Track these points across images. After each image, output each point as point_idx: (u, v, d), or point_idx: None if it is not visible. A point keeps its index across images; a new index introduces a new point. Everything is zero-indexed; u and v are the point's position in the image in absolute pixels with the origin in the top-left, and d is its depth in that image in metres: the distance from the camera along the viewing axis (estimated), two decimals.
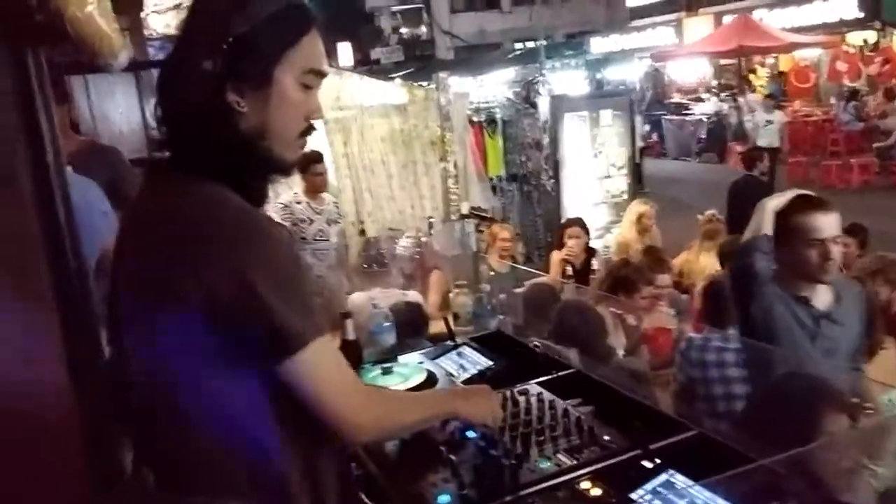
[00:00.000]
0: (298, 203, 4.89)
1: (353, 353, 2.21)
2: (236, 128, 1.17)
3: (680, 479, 1.42)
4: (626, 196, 6.76)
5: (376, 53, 20.54)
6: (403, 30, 21.78)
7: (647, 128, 16.05)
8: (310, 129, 1.28)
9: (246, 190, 1.22)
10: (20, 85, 1.06)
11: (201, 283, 1.10)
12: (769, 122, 11.06)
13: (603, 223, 6.68)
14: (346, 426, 1.22)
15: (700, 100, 16.66)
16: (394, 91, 7.61)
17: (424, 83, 7.98)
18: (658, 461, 1.48)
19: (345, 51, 19.28)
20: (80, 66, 3.70)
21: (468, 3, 22.51)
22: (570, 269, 5.22)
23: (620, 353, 3.16)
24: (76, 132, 3.56)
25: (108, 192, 2.41)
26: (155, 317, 1.16)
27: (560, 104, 6.75)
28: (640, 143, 11.48)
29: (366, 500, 1.55)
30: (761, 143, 10.59)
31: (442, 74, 7.47)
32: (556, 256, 5.43)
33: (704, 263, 5.40)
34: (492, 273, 4.70)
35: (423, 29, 21.83)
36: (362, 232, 6.54)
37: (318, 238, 4.92)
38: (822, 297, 2.37)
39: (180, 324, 1.13)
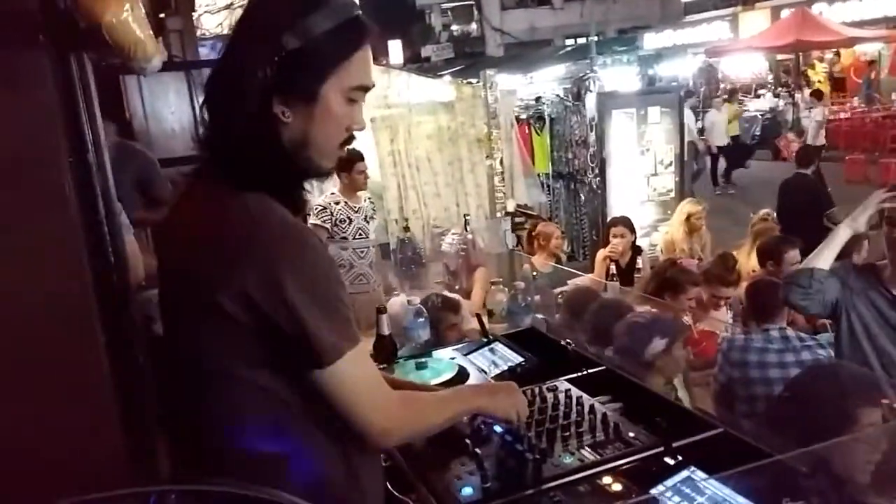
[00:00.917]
0: (337, 203, 4.94)
1: (388, 348, 2.27)
2: (279, 137, 1.20)
3: (701, 476, 1.42)
4: (672, 194, 6.66)
5: (427, 51, 20.62)
6: (454, 27, 21.82)
7: (699, 125, 15.75)
8: (350, 138, 1.30)
9: (285, 196, 1.24)
10: (64, 87, 1.13)
11: (240, 288, 1.13)
12: (814, 121, 10.73)
13: (649, 221, 6.60)
14: (375, 433, 1.25)
15: (756, 96, 16.29)
16: (441, 88, 7.66)
17: (474, 80, 8.00)
18: (680, 458, 1.49)
19: (395, 48, 19.41)
20: (132, 68, 3.87)
21: (519, 0, 22.43)
22: (613, 268, 5.19)
23: None
24: (125, 131, 3.70)
25: (137, 191, 2.50)
26: (198, 318, 1.20)
27: (607, 101, 6.69)
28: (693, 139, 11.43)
29: (392, 490, 1.59)
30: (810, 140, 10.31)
31: (489, 72, 7.49)
32: (600, 255, 5.40)
33: (756, 263, 5.30)
34: (534, 273, 4.71)
35: (474, 26, 21.82)
36: (406, 229, 6.60)
37: (358, 237, 4.98)
38: None
39: (221, 326, 1.16)
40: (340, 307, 1.21)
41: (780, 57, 16.65)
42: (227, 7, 7.39)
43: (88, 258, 1.20)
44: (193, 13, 4.82)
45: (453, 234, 5.01)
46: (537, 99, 8.75)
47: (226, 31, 7.59)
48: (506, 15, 22.10)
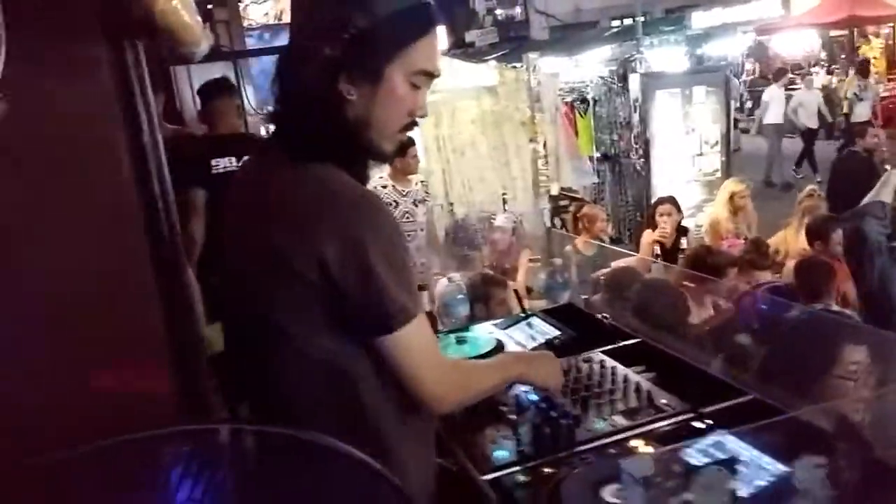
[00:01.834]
0: (384, 187, 5.02)
1: (429, 323, 2.34)
2: (344, 114, 1.24)
3: (730, 439, 1.46)
4: (719, 174, 6.60)
5: (471, 36, 20.51)
6: (498, 11, 21.67)
7: (749, 104, 15.44)
8: (412, 123, 1.34)
9: (349, 170, 1.28)
10: (120, 76, 1.21)
11: (317, 252, 1.17)
12: (859, 98, 10.33)
13: (695, 202, 6.55)
14: (433, 398, 1.30)
15: (808, 73, 15.84)
16: (485, 73, 7.67)
17: (519, 64, 7.99)
18: (709, 422, 1.53)
19: (439, 34, 19.42)
20: (183, 58, 4.00)
21: None
22: (657, 249, 5.18)
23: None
24: (175, 120, 3.85)
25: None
26: (269, 282, 1.24)
27: (650, 81, 6.64)
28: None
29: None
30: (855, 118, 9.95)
31: (532, 55, 7.47)
32: (646, 237, 5.38)
33: (804, 241, 5.22)
34: (577, 255, 4.73)
35: (518, 9, 21.64)
36: (452, 214, 6.66)
37: (405, 220, 5.05)
38: None
39: (292, 291, 1.21)
40: (409, 273, 1.26)
41: (833, 33, 16.16)
42: None
43: (145, 233, 1.29)
44: (240, 3, 4.94)
45: (504, 216, 5.06)
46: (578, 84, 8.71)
47: (272, 21, 7.74)
48: None
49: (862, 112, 10.09)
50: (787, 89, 15.18)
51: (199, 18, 1.19)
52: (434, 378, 1.29)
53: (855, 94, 10.10)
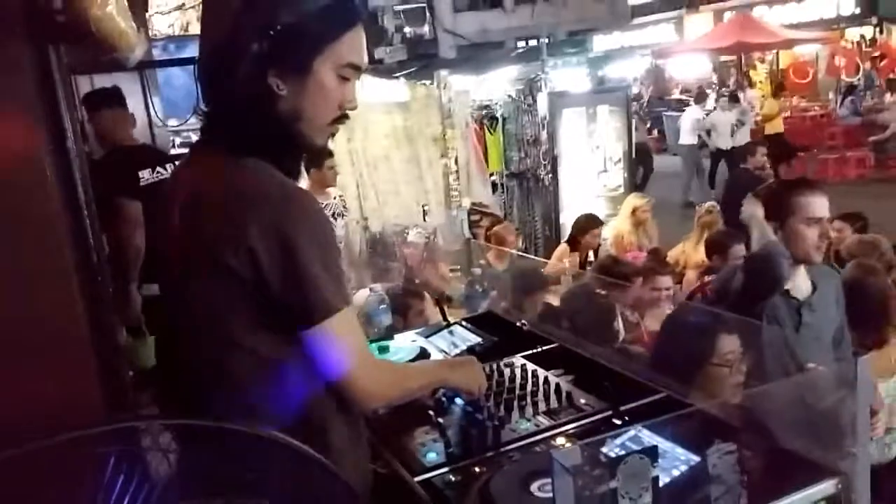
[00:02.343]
0: None
1: None
2: (274, 108, 1.27)
3: (646, 434, 1.55)
4: (622, 190, 6.89)
5: (380, 53, 20.62)
6: (407, 29, 21.89)
7: (648, 124, 16.13)
8: (343, 116, 1.37)
9: (280, 164, 1.31)
10: (43, 80, 1.19)
11: (245, 244, 1.19)
12: (742, 122, 10.98)
13: (600, 216, 6.80)
14: (360, 393, 1.32)
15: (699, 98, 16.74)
16: (396, 89, 7.75)
17: (427, 81, 8.10)
18: (627, 419, 1.61)
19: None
20: (85, 66, 3.86)
21: (471, 3, 22.62)
22: (566, 262, 5.37)
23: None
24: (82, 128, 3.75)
25: None
26: (201, 277, 1.26)
27: (557, 100, 6.87)
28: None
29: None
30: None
31: (443, 73, 7.62)
32: (560, 251, 5.56)
33: (701, 255, 5.51)
34: (490, 268, 4.84)
35: (426, 28, 21.94)
36: (366, 228, 6.66)
37: None
38: (801, 285, 2.40)
39: (223, 285, 1.23)
40: (337, 268, 1.28)
41: (723, 58, 17.14)
42: (179, 8, 7.36)
43: (70, 239, 1.26)
44: (146, 13, 4.81)
45: (418, 231, 5.11)
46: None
47: (177, 32, 7.55)
48: (458, 17, 22.29)
49: (744, 135, 10.74)
50: (681, 110, 15.99)
51: (134, 24, 1.19)
52: (361, 373, 1.31)
53: (739, 120, 10.77)
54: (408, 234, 4.35)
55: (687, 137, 11.22)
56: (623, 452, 1.43)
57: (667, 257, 5.26)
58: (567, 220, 6.85)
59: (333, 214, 5.11)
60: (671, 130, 16.32)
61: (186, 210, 1.30)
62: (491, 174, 8.64)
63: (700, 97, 13.13)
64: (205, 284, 1.26)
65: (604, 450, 1.52)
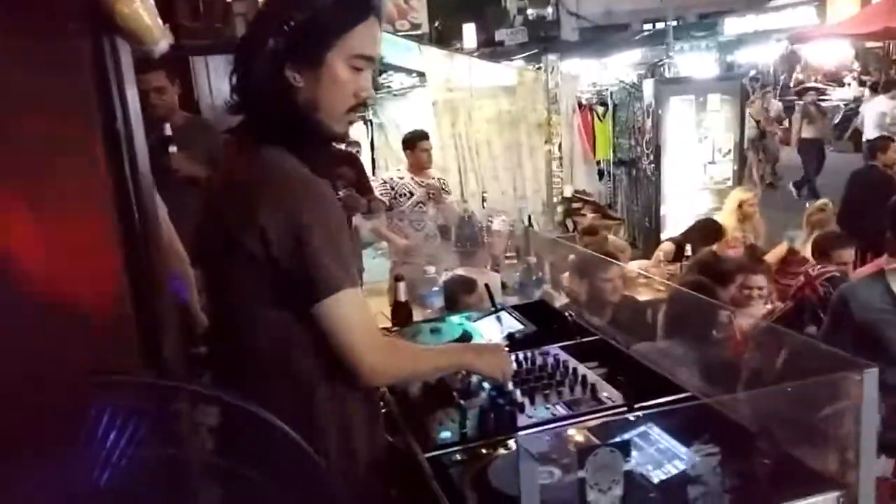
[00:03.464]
0: (401, 178, 5.16)
1: (404, 313, 2.45)
2: (293, 100, 1.37)
3: (655, 431, 1.55)
4: (730, 182, 6.61)
5: (500, 35, 20.58)
6: (529, 11, 21.70)
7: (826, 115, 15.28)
8: (358, 105, 1.45)
9: (304, 156, 1.42)
10: (97, 68, 1.34)
11: (257, 225, 1.30)
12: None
13: (704, 210, 6.57)
14: (364, 368, 1.40)
15: (840, 85, 15.69)
16: (504, 73, 7.77)
17: (540, 65, 8.05)
18: (640, 415, 1.62)
19: (469, 32, 19.49)
20: (200, 49, 4.14)
21: None
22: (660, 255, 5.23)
23: None
24: (196, 107, 4.00)
25: (205, 156, 2.77)
26: (225, 258, 1.38)
27: (665, 87, 6.67)
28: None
29: (388, 437, 1.76)
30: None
31: (552, 57, 7.55)
32: (666, 250, 5.37)
33: (808, 254, 5.24)
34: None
35: (549, 10, 21.66)
36: (465, 210, 6.76)
37: (417, 209, 5.15)
38: None
39: (243, 265, 1.34)
40: (344, 251, 1.37)
41: (869, 45, 15.93)
42: None
43: (117, 217, 1.40)
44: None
45: (501, 220, 5.15)
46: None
47: None
48: None
49: (875, 125, 9.91)
50: (817, 99, 15.02)
51: (159, 19, 1.31)
52: (366, 350, 1.38)
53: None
54: (492, 221, 4.38)
55: (872, 133, 10.28)
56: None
57: (765, 255, 5.03)
58: (668, 212, 6.68)
59: (429, 193, 5.22)
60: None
61: (214, 195, 1.47)
62: (598, 162, 8.54)
63: (889, 86, 11.88)
64: (228, 264, 1.38)
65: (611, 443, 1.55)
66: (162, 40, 1.32)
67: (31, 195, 1.31)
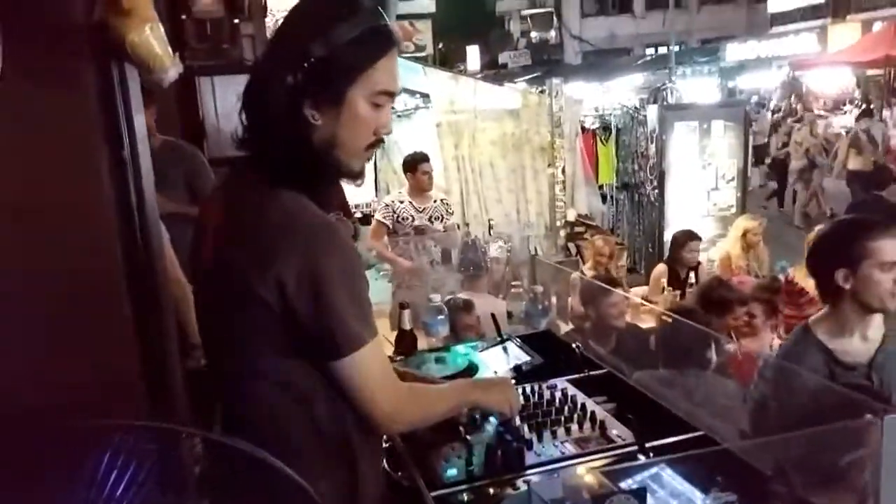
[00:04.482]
0: (401, 202, 5.15)
1: (409, 341, 2.42)
2: (310, 138, 1.31)
3: (668, 473, 1.51)
4: (734, 209, 6.60)
5: (504, 57, 20.71)
6: (533, 34, 21.84)
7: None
8: (378, 142, 1.39)
9: (316, 194, 1.36)
10: (104, 92, 1.32)
11: (276, 276, 1.23)
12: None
13: (708, 236, 6.55)
14: (385, 421, 1.37)
15: (842, 112, 15.74)
16: (508, 95, 7.77)
17: (544, 88, 8.07)
18: (652, 456, 1.58)
19: (473, 54, 19.64)
20: (207, 69, 4.14)
21: (600, 7, 22.27)
22: (664, 282, 5.22)
23: None
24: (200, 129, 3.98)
25: (184, 183, 2.72)
26: (231, 307, 1.31)
27: (668, 113, 6.68)
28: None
29: (387, 468, 1.72)
30: None
31: (555, 80, 7.56)
32: (658, 270, 5.43)
33: (811, 283, 5.21)
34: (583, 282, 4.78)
35: (553, 33, 21.80)
36: (467, 234, 6.73)
37: (418, 234, 5.13)
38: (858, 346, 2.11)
39: (253, 315, 1.27)
40: (364, 301, 1.32)
41: (870, 72, 16.03)
42: None
43: (121, 245, 1.38)
44: (266, 18, 5.09)
45: (497, 246, 5.14)
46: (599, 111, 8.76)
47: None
48: (585, 22, 21.99)
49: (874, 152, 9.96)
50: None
51: (169, 48, 1.29)
52: (386, 401, 1.35)
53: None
54: (487, 247, 4.35)
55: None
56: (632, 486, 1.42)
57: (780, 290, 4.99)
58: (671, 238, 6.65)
59: (431, 218, 5.21)
60: None
61: (220, 234, 1.36)
62: (601, 186, 8.53)
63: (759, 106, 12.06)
64: (234, 311, 1.32)
65: (622, 485, 1.51)
66: (172, 69, 1.30)
67: (36, 221, 1.28)
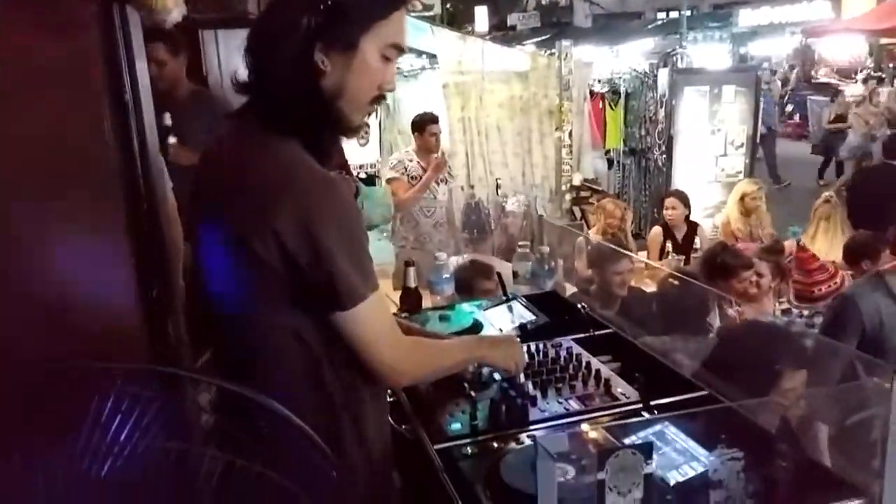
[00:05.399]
0: (410, 161, 5.11)
1: (414, 299, 2.41)
2: (317, 84, 1.28)
3: (672, 430, 1.51)
4: (742, 176, 6.53)
5: (513, 19, 20.41)
6: None
7: (789, 107, 15.20)
8: (380, 97, 1.38)
9: (315, 146, 1.33)
10: (105, 34, 1.28)
11: (272, 232, 1.22)
12: None
13: (714, 202, 6.51)
14: (389, 373, 1.37)
15: (854, 81, 15.52)
16: (517, 57, 7.66)
17: (554, 51, 7.95)
18: (656, 413, 1.58)
19: (481, 15, 19.29)
20: (211, 22, 4.07)
21: None
22: (669, 246, 5.20)
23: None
24: (204, 83, 3.93)
25: (210, 133, 2.68)
26: (227, 257, 1.29)
27: (679, 77, 6.58)
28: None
29: (392, 422, 1.72)
30: None
31: (565, 43, 7.45)
32: (654, 232, 5.43)
33: (820, 247, 5.17)
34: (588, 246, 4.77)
35: None
36: (472, 196, 6.70)
37: (426, 196, 5.10)
38: None
39: (250, 267, 1.26)
40: (364, 254, 1.31)
41: (883, 41, 15.75)
42: None
43: (123, 190, 1.35)
44: None
45: (515, 199, 5.11)
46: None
47: None
48: None
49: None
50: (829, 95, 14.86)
51: None
52: (389, 354, 1.35)
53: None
54: (505, 203, 4.33)
55: None
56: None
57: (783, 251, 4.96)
58: None
59: (437, 180, 5.18)
60: (814, 116, 15.31)
61: (215, 187, 1.34)
62: (608, 151, 8.46)
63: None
64: (231, 266, 1.30)
65: (626, 441, 1.51)
66: (175, 10, 1.26)
67: (34, 169, 1.26)
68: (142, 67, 1.41)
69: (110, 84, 1.32)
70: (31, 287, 1.28)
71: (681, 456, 1.38)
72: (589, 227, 6.04)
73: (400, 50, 1.35)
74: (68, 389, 0.96)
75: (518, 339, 1.82)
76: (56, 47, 1.24)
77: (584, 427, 1.57)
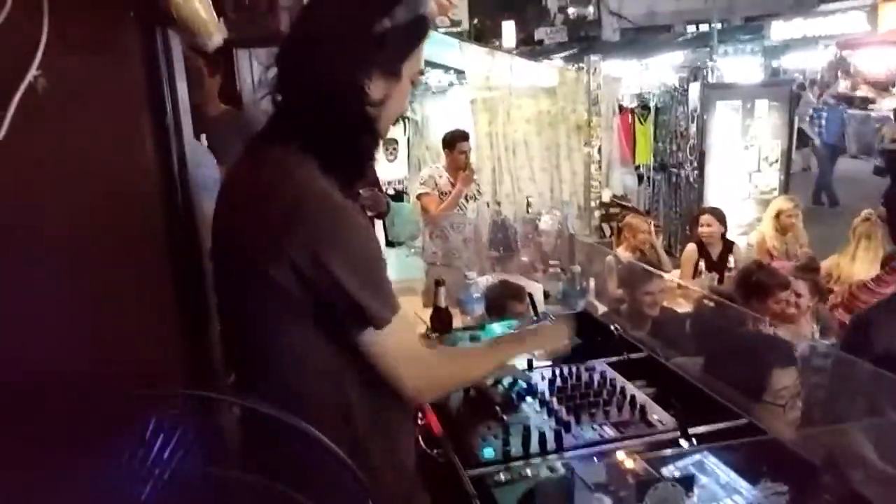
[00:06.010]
0: (440, 177, 5.12)
1: (444, 319, 2.40)
2: (363, 107, 1.32)
3: (712, 461, 1.47)
4: (776, 192, 6.42)
5: (540, 33, 20.39)
6: (570, 10, 21.47)
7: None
8: (400, 117, 1.48)
9: (343, 167, 1.34)
10: (148, 59, 1.30)
11: (284, 256, 1.22)
12: None
13: (748, 220, 6.40)
14: (412, 391, 1.36)
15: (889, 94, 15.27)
16: (545, 72, 7.64)
17: (583, 65, 7.93)
18: (694, 442, 1.54)
19: (508, 30, 19.31)
20: (246, 42, 4.12)
21: None
22: (703, 264, 5.12)
23: None
24: (232, 102, 3.97)
25: None
26: (246, 283, 1.29)
27: (712, 92, 6.51)
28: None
29: (423, 445, 1.71)
30: None
31: (594, 57, 7.42)
32: (688, 250, 5.35)
33: (860, 268, 5.05)
34: (619, 265, 4.71)
35: (591, 9, 21.41)
36: (498, 212, 6.68)
37: (456, 211, 5.09)
38: None
39: (270, 293, 1.25)
40: (381, 278, 1.31)
41: None
42: None
43: (163, 213, 1.37)
44: None
45: (549, 217, 5.06)
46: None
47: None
48: None
49: None
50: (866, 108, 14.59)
51: (214, 14, 1.26)
52: (413, 375, 1.34)
53: None
54: (539, 221, 4.30)
55: None
56: (675, 474, 1.38)
57: (819, 269, 4.85)
58: None
59: (466, 196, 5.18)
60: (851, 130, 15.08)
61: (232, 209, 1.34)
62: (637, 166, 8.40)
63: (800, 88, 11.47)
64: (247, 287, 1.30)
65: (664, 471, 1.48)
66: (217, 34, 1.27)
67: (80, 189, 1.27)
68: (182, 90, 1.43)
69: (152, 106, 1.33)
70: (71, 306, 1.28)
71: (722, 489, 1.34)
72: (619, 245, 5.97)
73: (422, 73, 1.45)
74: (111, 413, 0.96)
75: (566, 322, 1.83)
76: (100, 70, 1.25)
77: (621, 456, 1.54)
